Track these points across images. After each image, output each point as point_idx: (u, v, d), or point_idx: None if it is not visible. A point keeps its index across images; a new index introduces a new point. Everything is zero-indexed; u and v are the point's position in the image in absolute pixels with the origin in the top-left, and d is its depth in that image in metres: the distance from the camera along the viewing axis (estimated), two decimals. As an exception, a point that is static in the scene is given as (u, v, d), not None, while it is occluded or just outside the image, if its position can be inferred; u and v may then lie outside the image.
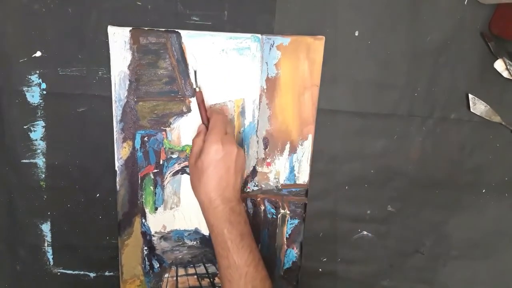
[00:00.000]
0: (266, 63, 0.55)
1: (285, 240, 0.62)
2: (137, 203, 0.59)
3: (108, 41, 0.52)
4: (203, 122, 0.54)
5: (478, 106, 0.59)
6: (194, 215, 0.60)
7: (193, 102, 0.56)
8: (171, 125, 0.56)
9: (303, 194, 0.61)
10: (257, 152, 0.59)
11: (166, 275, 0.62)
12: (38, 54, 0.53)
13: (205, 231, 0.61)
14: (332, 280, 0.65)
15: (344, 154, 0.60)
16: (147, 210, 0.59)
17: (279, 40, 0.55)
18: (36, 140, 0.55)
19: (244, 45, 0.54)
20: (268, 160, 0.59)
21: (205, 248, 0.62)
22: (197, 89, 0.54)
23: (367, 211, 0.63)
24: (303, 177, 0.60)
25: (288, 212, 0.61)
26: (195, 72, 0.54)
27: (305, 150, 0.59)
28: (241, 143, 0.58)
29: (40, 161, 0.56)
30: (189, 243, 0.61)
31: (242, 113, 0.57)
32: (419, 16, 0.56)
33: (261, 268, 0.51)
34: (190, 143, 0.57)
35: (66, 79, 0.54)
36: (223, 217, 0.49)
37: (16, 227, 0.59)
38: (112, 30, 0.52)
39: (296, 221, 0.62)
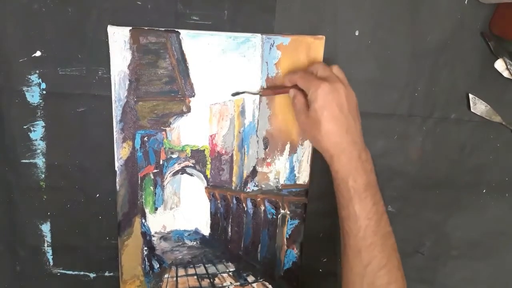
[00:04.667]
0: (266, 62, 0.55)
1: (285, 241, 0.62)
2: (137, 203, 0.59)
3: (108, 41, 0.52)
4: (287, 86, 0.53)
5: (479, 106, 0.59)
6: (194, 215, 0.60)
7: (193, 102, 0.56)
8: (171, 125, 0.56)
9: (303, 194, 0.60)
10: (257, 152, 0.59)
11: (166, 276, 0.62)
12: (38, 54, 0.52)
13: (205, 231, 0.61)
14: (332, 280, 0.65)
15: (344, 154, 0.60)
16: (147, 210, 0.59)
17: (279, 39, 0.55)
18: (36, 140, 0.55)
19: (244, 45, 0.54)
20: (268, 160, 0.59)
21: (205, 248, 0.62)
22: (260, 92, 0.55)
23: (367, 211, 0.63)
24: (303, 177, 0.60)
25: (288, 212, 0.61)
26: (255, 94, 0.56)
27: (305, 150, 0.59)
28: (241, 143, 0.58)
29: (40, 161, 0.56)
30: (189, 243, 0.61)
31: (242, 113, 0.57)
32: (419, 16, 0.56)
33: (384, 224, 0.47)
34: (190, 143, 0.57)
35: (66, 79, 0.53)
36: (350, 163, 0.46)
37: (16, 227, 0.58)
38: (112, 29, 0.52)
39: (296, 221, 0.62)
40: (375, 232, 0.46)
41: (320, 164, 0.60)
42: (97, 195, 0.58)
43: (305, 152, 0.59)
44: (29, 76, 0.53)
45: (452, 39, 0.57)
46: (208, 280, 0.63)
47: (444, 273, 0.66)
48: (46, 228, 0.59)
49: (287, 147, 0.59)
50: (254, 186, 0.60)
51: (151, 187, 0.58)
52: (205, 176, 0.59)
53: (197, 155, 0.58)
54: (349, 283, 0.48)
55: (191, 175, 0.59)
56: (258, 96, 0.56)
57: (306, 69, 0.52)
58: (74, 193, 0.58)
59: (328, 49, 0.55)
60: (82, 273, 0.61)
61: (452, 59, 0.58)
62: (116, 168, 0.57)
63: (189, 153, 0.58)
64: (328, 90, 0.46)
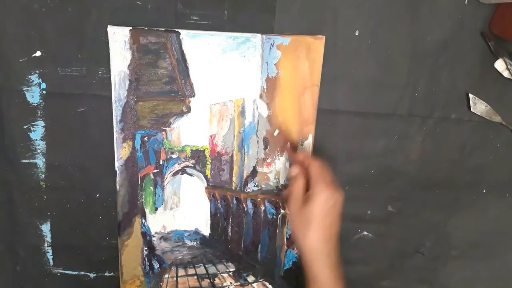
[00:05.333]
0: (266, 63, 0.55)
1: (285, 241, 0.62)
2: (137, 203, 0.59)
3: (108, 41, 0.52)
4: (294, 163, 0.53)
5: (479, 106, 0.59)
6: (194, 215, 0.60)
7: (193, 102, 0.56)
8: (171, 125, 0.56)
9: (303, 194, 0.60)
10: (257, 152, 0.59)
11: (166, 276, 0.62)
12: (38, 54, 0.52)
13: (205, 232, 0.61)
14: (332, 280, 0.65)
15: (344, 154, 0.60)
16: (147, 210, 0.59)
17: (279, 39, 0.55)
18: (36, 140, 0.55)
19: (244, 45, 0.54)
20: (268, 160, 0.59)
21: (205, 249, 0.62)
22: (277, 132, 0.55)
23: (367, 211, 0.63)
24: (303, 177, 0.60)
25: (288, 212, 0.61)
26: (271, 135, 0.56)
27: (305, 150, 0.59)
28: (241, 143, 0.58)
29: (40, 161, 0.56)
30: (189, 243, 0.61)
31: (242, 113, 0.57)
32: (419, 16, 0.56)
33: None
34: (190, 143, 0.57)
35: (66, 79, 0.53)
36: (331, 267, 0.49)
37: (16, 227, 0.58)
38: (112, 29, 0.52)
39: (296, 221, 0.62)
40: None
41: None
42: (97, 195, 0.58)
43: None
44: (29, 76, 0.53)
45: (452, 39, 0.57)
46: (208, 280, 0.62)
47: (444, 273, 0.66)
48: (46, 228, 0.59)
49: (287, 147, 0.58)
50: (254, 186, 0.60)
51: (151, 187, 0.58)
52: (205, 176, 0.59)
53: (197, 155, 0.58)
54: None
55: (191, 175, 0.59)
56: (258, 96, 0.56)
57: (318, 162, 0.51)
58: (74, 193, 0.58)
59: (328, 49, 0.55)
60: (82, 273, 0.61)
61: (452, 59, 0.58)
62: (116, 168, 0.57)
63: (189, 153, 0.58)
64: (332, 199, 0.48)
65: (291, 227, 0.51)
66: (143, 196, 0.58)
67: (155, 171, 0.58)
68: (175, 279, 0.62)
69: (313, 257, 0.48)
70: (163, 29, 0.53)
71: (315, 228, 0.48)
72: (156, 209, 0.59)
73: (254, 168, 0.59)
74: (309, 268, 0.49)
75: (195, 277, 0.63)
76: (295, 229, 0.51)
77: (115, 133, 0.55)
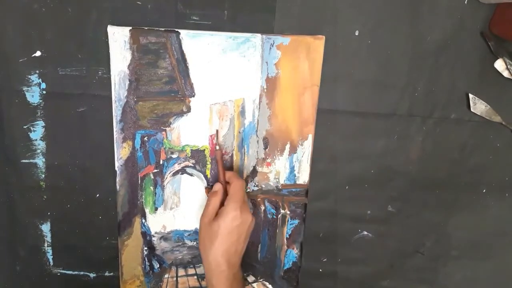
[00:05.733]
0: (266, 62, 0.55)
1: (285, 241, 0.62)
2: (137, 203, 0.59)
3: (108, 41, 0.52)
4: (219, 181, 0.55)
5: (479, 106, 0.59)
6: (194, 215, 0.60)
7: (193, 102, 0.56)
8: (171, 125, 0.56)
9: (303, 194, 0.60)
10: (257, 152, 0.59)
11: (166, 276, 0.62)
12: (38, 54, 0.52)
13: (205, 231, 0.61)
14: (332, 280, 0.65)
15: (344, 154, 0.60)
16: (147, 210, 0.59)
17: (279, 39, 0.55)
18: (36, 140, 0.55)
19: (244, 45, 0.54)
20: (268, 160, 0.59)
21: (205, 248, 0.62)
22: (217, 147, 0.56)
23: (367, 211, 0.63)
24: (303, 177, 0.60)
25: (288, 212, 0.61)
26: (217, 131, 0.56)
27: (305, 150, 0.59)
28: (241, 143, 0.58)
29: (40, 161, 0.56)
30: (189, 243, 0.61)
31: (242, 113, 0.57)
32: (419, 16, 0.56)
33: None
34: (190, 143, 0.57)
35: (66, 79, 0.54)
36: (226, 282, 0.51)
37: (16, 227, 0.58)
38: (112, 29, 0.52)
39: (296, 221, 0.62)
40: None
41: (320, 164, 0.60)
42: (97, 195, 0.58)
43: (305, 152, 0.59)
44: (29, 76, 0.53)
45: (452, 39, 0.57)
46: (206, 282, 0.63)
47: (444, 273, 0.66)
48: (46, 228, 0.59)
49: (287, 147, 0.59)
50: (254, 186, 0.60)
51: (151, 187, 0.58)
52: (205, 176, 0.59)
53: (197, 155, 0.58)
54: None
55: (191, 175, 0.59)
56: (258, 96, 0.56)
57: (236, 181, 0.54)
58: (74, 193, 0.58)
59: (328, 49, 0.55)
60: (82, 273, 0.61)
61: (452, 59, 0.58)
62: (116, 168, 0.57)
63: (189, 153, 0.58)
64: (238, 219, 0.51)
65: (198, 239, 0.54)
66: (143, 196, 0.58)
67: (155, 171, 0.58)
68: (175, 279, 0.62)
69: (213, 270, 0.51)
70: (163, 29, 0.53)
71: (218, 243, 0.51)
72: (156, 209, 0.59)
73: (254, 168, 0.59)
74: (209, 280, 0.52)
75: (195, 277, 0.63)
76: (201, 240, 0.53)
77: (115, 133, 0.55)
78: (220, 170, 0.56)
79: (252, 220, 0.53)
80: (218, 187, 0.55)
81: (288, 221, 0.62)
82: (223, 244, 0.51)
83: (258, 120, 0.57)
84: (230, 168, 0.59)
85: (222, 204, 0.53)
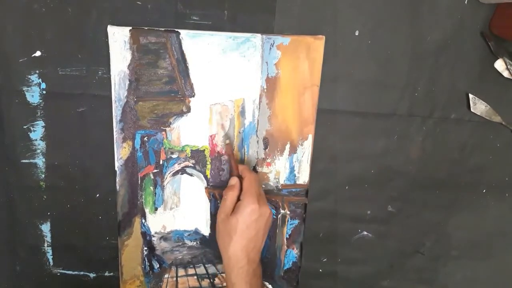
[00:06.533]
0: (266, 63, 0.55)
1: (285, 241, 0.62)
2: (137, 203, 0.59)
3: (108, 41, 0.52)
4: (233, 175, 0.55)
5: (479, 106, 0.59)
6: (194, 215, 0.60)
7: (193, 102, 0.56)
8: (171, 125, 0.56)
9: (303, 194, 0.60)
10: (257, 152, 0.59)
11: (166, 276, 0.62)
12: (38, 54, 0.52)
13: (205, 232, 0.61)
14: (332, 280, 0.65)
15: (344, 154, 0.60)
16: (147, 210, 0.59)
17: (279, 39, 0.55)
18: (36, 140, 0.55)
19: (244, 45, 0.54)
20: (268, 160, 0.59)
21: (205, 249, 0.62)
22: (227, 141, 0.56)
23: (367, 211, 0.63)
24: (303, 177, 0.60)
25: (288, 212, 0.61)
26: (222, 125, 0.56)
27: (305, 150, 0.59)
28: (241, 143, 0.58)
29: (40, 161, 0.56)
30: (189, 243, 0.61)
31: (242, 113, 0.57)
32: (419, 16, 0.56)
33: None
34: (190, 143, 0.57)
35: (66, 79, 0.53)
36: (246, 278, 0.50)
37: (16, 227, 0.58)
38: (112, 29, 0.52)
39: (296, 222, 0.62)
40: None
41: (320, 164, 0.60)
42: (97, 195, 0.58)
43: (305, 152, 0.59)
44: (29, 76, 0.53)
45: (452, 39, 0.57)
46: (208, 280, 0.63)
47: (444, 273, 0.66)
48: (46, 228, 0.59)
49: (287, 147, 0.59)
50: (254, 186, 0.60)
51: (151, 187, 0.58)
52: (205, 176, 0.59)
53: (197, 155, 0.58)
54: None
55: (191, 175, 0.59)
56: (258, 96, 0.56)
57: (251, 176, 0.53)
58: (74, 193, 0.58)
59: (328, 49, 0.55)
60: (82, 273, 0.61)
61: (452, 59, 0.58)
62: (116, 168, 0.57)
63: (189, 153, 0.58)
64: (256, 213, 0.50)
65: (216, 234, 0.53)
66: (143, 196, 0.58)
67: (155, 171, 0.58)
68: (175, 279, 0.62)
69: (232, 265, 0.50)
70: (163, 29, 0.53)
71: (237, 237, 0.50)
72: (156, 209, 0.59)
73: (254, 168, 0.59)
74: (228, 275, 0.51)
75: (195, 277, 0.63)
76: (219, 235, 0.53)
77: (115, 133, 0.55)
78: (233, 164, 0.55)
79: (270, 213, 0.52)
80: (234, 181, 0.54)
81: (288, 221, 0.62)
82: (243, 239, 0.50)
83: (258, 120, 0.57)
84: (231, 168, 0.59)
85: (238, 199, 0.52)
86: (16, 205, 0.58)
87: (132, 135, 0.56)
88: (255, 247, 0.51)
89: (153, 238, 0.60)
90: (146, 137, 0.56)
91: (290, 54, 0.55)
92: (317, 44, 0.55)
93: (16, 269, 0.60)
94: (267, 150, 0.59)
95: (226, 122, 0.57)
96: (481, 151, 0.62)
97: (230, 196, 0.52)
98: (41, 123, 0.55)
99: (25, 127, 0.55)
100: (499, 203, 0.64)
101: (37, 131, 0.55)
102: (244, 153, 0.58)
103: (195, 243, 0.61)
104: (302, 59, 0.55)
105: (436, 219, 0.64)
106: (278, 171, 0.59)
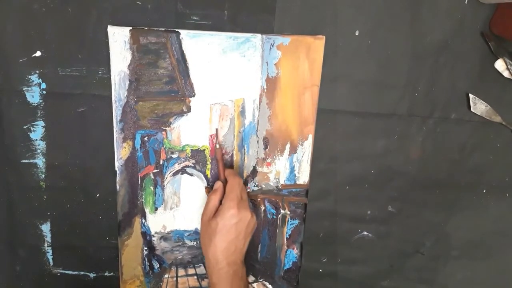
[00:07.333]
0: (266, 63, 0.55)
1: (285, 241, 0.62)
2: (137, 203, 0.59)
3: (108, 41, 0.52)
4: (220, 179, 0.56)
5: (479, 106, 0.59)
6: (194, 215, 0.60)
7: (193, 102, 0.56)
8: (171, 125, 0.56)
9: (303, 194, 0.60)
10: (257, 152, 0.59)
11: (166, 276, 0.62)
12: (38, 54, 0.52)
13: (205, 231, 0.61)
14: (332, 280, 0.65)
15: (344, 154, 0.60)
16: (147, 210, 0.59)
17: (279, 40, 0.55)
18: (36, 140, 0.55)
19: (244, 45, 0.54)
20: (268, 160, 0.59)
21: (205, 248, 0.62)
22: (217, 146, 0.56)
23: (367, 211, 0.63)
24: (303, 177, 0.60)
25: (288, 212, 0.61)
26: (216, 130, 0.56)
27: (305, 150, 0.59)
28: (241, 143, 0.58)
29: (40, 161, 0.56)
30: (189, 243, 0.61)
31: (242, 113, 0.57)
32: (419, 16, 0.56)
33: None
34: (190, 143, 0.57)
35: (66, 79, 0.53)
36: (227, 279, 0.51)
37: (16, 227, 0.58)
38: (112, 30, 0.52)
39: (296, 222, 0.62)
40: None
41: (320, 164, 0.60)
42: (97, 195, 0.58)
43: (305, 152, 0.59)
44: (29, 76, 0.53)
45: (452, 39, 0.57)
46: (208, 280, 0.62)
47: (444, 273, 0.66)
48: (46, 228, 0.59)
49: (287, 147, 0.59)
50: (254, 186, 0.60)
51: (151, 187, 0.58)
52: (205, 176, 0.59)
53: (197, 155, 0.58)
54: None
55: (191, 175, 0.59)
56: (258, 96, 0.56)
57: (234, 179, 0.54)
58: (74, 193, 0.58)
59: (328, 49, 0.55)
60: (82, 273, 0.61)
61: (452, 59, 0.58)
62: (116, 168, 0.57)
63: (189, 153, 0.58)
64: (236, 217, 0.51)
65: (200, 236, 0.55)
66: (143, 196, 0.58)
67: (155, 171, 0.58)
68: (175, 279, 0.62)
69: (212, 267, 0.52)
70: (163, 29, 0.53)
71: (216, 240, 0.51)
72: (156, 209, 0.59)
73: (254, 168, 0.59)
74: (210, 276, 0.52)
75: (195, 277, 0.63)
76: (201, 238, 0.54)
77: (115, 133, 0.55)
78: (220, 168, 0.56)
79: (252, 217, 0.53)
80: (218, 185, 0.55)
81: (288, 221, 0.62)
82: (222, 242, 0.51)
83: (258, 120, 0.57)
84: (230, 167, 0.59)
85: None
86: (16, 205, 0.58)
87: (132, 135, 0.56)
88: (236, 250, 0.52)
89: (153, 238, 0.60)
90: (146, 137, 0.56)
91: (290, 54, 0.55)
92: (317, 44, 0.55)
93: (16, 269, 0.60)
94: (267, 150, 0.59)
95: (223, 125, 0.57)
96: (481, 151, 0.62)
97: (212, 200, 0.53)
98: (41, 123, 0.55)
99: (25, 127, 0.55)
100: (499, 203, 0.64)
101: (37, 131, 0.55)
102: (244, 153, 0.59)
103: (195, 243, 0.61)
104: (302, 59, 0.55)
105: (436, 219, 0.64)
106: (278, 171, 0.59)
